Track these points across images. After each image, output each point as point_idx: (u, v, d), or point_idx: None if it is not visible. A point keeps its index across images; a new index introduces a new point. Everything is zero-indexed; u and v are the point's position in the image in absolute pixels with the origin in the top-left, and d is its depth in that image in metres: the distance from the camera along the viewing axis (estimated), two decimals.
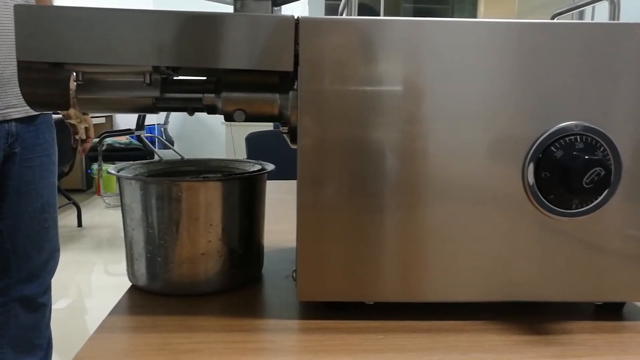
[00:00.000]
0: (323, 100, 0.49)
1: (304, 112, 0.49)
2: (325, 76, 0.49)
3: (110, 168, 0.62)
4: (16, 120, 1.23)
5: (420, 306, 0.54)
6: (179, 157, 0.72)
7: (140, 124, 4.17)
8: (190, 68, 0.58)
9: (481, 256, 0.52)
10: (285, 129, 0.56)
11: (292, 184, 0.51)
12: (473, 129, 0.50)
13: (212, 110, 0.56)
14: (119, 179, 0.60)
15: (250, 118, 0.55)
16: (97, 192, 4.36)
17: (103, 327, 0.52)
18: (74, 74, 0.53)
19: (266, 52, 0.48)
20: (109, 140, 4.22)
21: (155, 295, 0.59)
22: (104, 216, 4.04)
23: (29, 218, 1.30)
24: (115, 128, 4.82)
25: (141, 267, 0.59)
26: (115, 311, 0.55)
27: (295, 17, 0.48)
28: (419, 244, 0.51)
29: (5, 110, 1.19)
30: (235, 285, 0.61)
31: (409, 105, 0.50)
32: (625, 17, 0.55)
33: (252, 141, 1.91)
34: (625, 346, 0.50)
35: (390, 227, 0.51)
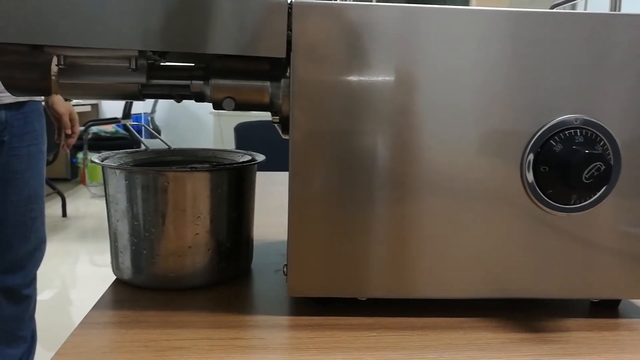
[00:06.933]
0: (316, 88, 0.47)
1: (296, 101, 0.48)
2: (319, 63, 0.47)
3: (94, 157, 0.60)
4: (6, 107, 1.19)
5: (414, 303, 0.53)
6: (166, 147, 0.70)
7: (126, 113, 4.11)
8: (178, 53, 0.56)
9: (476, 252, 0.50)
10: (276, 119, 0.54)
11: (283, 176, 0.50)
12: (469, 121, 0.49)
13: (200, 97, 0.54)
14: (103, 168, 0.58)
15: (240, 106, 0.53)
16: (83, 182, 4.30)
17: (85, 322, 0.50)
18: (55, 57, 0.51)
19: (257, 37, 0.46)
20: (94, 128, 4.16)
21: (140, 290, 0.57)
22: (89, 206, 3.99)
23: (14, 208, 1.27)
24: (101, 116, 4.75)
25: (126, 260, 0.57)
26: (98, 305, 0.53)
27: (288, 1, 0.46)
28: (413, 239, 0.50)
29: None
30: (223, 280, 0.59)
31: (405, 97, 0.48)
32: (626, 9, 0.54)
33: (241, 131, 1.89)
34: (621, 344, 0.49)
35: (384, 223, 0.50)
